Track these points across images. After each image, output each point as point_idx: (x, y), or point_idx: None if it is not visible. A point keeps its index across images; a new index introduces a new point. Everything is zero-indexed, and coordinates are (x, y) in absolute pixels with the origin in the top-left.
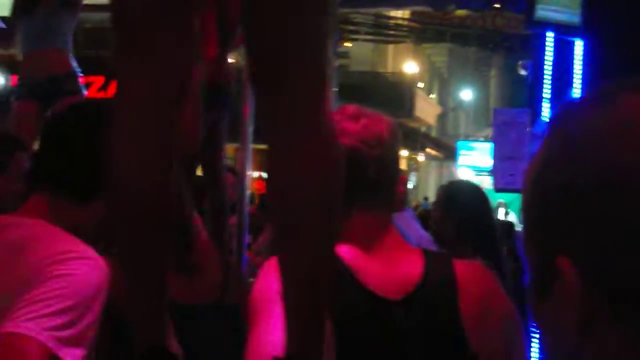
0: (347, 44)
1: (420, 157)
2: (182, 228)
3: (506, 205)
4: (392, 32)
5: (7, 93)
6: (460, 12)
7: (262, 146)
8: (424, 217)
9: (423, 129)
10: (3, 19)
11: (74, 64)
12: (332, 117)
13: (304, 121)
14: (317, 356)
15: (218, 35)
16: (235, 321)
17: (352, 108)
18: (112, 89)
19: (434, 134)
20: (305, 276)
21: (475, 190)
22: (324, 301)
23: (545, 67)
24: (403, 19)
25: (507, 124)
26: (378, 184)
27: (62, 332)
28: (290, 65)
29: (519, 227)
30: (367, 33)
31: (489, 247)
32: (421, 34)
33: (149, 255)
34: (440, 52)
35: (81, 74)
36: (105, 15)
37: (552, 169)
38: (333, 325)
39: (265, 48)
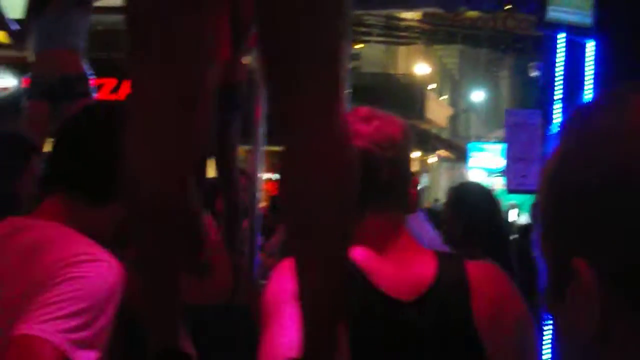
0: (359, 46)
1: (432, 159)
2: (192, 229)
3: (518, 207)
4: (403, 33)
5: (19, 94)
6: (471, 14)
7: (274, 148)
8: (434, 218)
9: (434, 130)
10: (16, 21)
11: (86, 65)
12: (346, 119)
13: (317, 122)
14: (332, 358)
15: (231, 35)
16: (246, 322)
17: (364, 110)
18: (124, 91)
19: (445, 135)
20: (319, 278)
21: (484, 192)
22: (338, 302)
23: (557, 68)
24: (414, 20)
25: (519, 125)
26: (391, 185)
27: (76, 335)
28: (304, 66)
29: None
30: (378, 35)
31: (498, 248)
32: (432, 35)
33: (163, 257)
34: (451, 54)
35: (93, 76)
36: (117, 18)
37: (567, 170)
38: (346, 326)
39: (279, 48)
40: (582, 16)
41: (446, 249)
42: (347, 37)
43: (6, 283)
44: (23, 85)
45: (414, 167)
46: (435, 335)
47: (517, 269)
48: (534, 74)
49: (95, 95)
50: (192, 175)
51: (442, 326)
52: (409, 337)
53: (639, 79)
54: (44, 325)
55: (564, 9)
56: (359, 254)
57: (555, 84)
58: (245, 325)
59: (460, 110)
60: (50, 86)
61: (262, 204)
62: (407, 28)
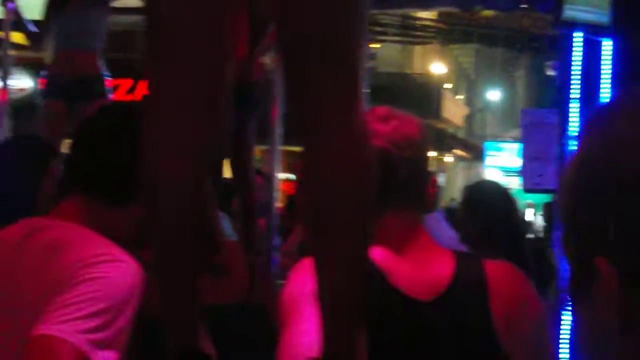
0: (375, 46)
1: (448, 158)
2: (209, 229)
3: (535, 206)
4: (419, 33)
5: (36, 95)
6: (487, 13)
7: (291, 148)
8: (450, 218)
9: (450, 130)
10: (34, 22)
11: (103, 66)
12: (364, 118)
13: (336, 122)
14: (353, 357)
15: (248, 33)
16: (263, 321)
17: (382, 110)
18: (140, 92)
19: (461, 135)
20: (339, 277)
21: (501, 191)
22: (358, 302)
23: (573, 67)
24: (430, 20)
25: (535, 124)
26: (409, 185)
27: (95, 335)
28: (323, 65)
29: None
30: (394, 34)
31: (514, 247)
32: (448, 35)
33: (182, 257)
34: (467, 53)
35: (109, 77)
36: (133, 19)
37: (589, 170)
38: (364, 326)
39: (298, 47)
40: (599, 15)
41: (463, 248)
42: (365, 36)
43: (25, 283)
44: (39, 86)
45: (431, 167)
46: (453, 335)
47: (534, 268)
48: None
49: (111, 95)
50: (209, 176)
51: (460, 326)
52: (428, 337)
53: None
54: (63, 326)
55: (581, 7)
56: (377, 253)
57: (572, 83)
58: (263, 325)
59: (476, 109)
60: (67, 86)
61: (279, 204)
62: (423, 27)
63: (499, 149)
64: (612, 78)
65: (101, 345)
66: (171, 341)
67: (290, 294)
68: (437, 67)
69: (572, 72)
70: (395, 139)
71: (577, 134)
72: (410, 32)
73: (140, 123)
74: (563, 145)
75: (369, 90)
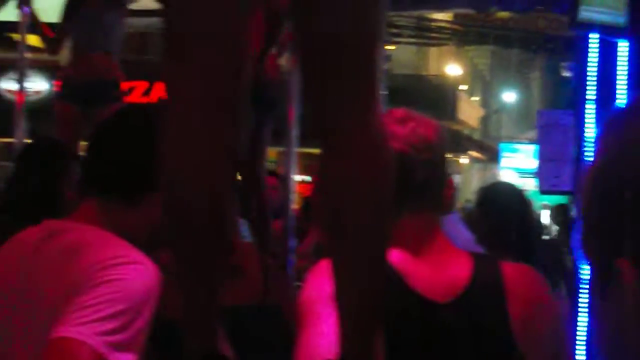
0: (390, 47)
1: (463, 160)
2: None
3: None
4: (434, 34)
5: (51, 97)
6: (502, 14)
7: (307, 150)
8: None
9: (466, 131)
10: (50, 25)
11: (119, 68)
12: (382, 120)
13: (355, 123)
14: (371, 359)
15: (264, 30)
16: (279, 323)
17: (399, 112)
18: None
19: (476, 136)
20: (357, 279)
21: (515, 192)
22: (376, 304)
23: (589, 68)
24: (445, 21)
25: (551, 126)
26: (426, 187)
27: (113, 337)
28: (342, 65)
29: None
30: (409, 36)
31: (528, 249)
32: (463, 36)
33: (201, 259)
34: (482, 55)
35: (124, 79)
36: (148, 21)
37: (610, 172)
38: (382, 328)
39: (316, 47)
40: (615, 16)
41: (480, 249)
42: (383, 37)
43: (43, 286)
44: (55, 89)
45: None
46: (470, 337)
47: (551, 269)
48: (566, 74)
49: (126, 98)
50: (230, 178)
51: (477, 327)
52: (445, 339)
53: None
54: (82, 328)
55: (597, 8)
56: (395, 255)
57: (588, 84)
58: (279, 327)
59: (491, 111)
60: (83, 89)
61: (295, 206)
62: (439, 29)
63: (514, 151)
64: (628, 79)
65: (119, 347)
66: (190, 343)
67: (308, 295)
68: (453, 69)
69: (588, 74)
70: (413, 141)
71: (593, 135)
72: (425, 34)
73: (156, 125)
74: (579, 146)
75: (385, 92)
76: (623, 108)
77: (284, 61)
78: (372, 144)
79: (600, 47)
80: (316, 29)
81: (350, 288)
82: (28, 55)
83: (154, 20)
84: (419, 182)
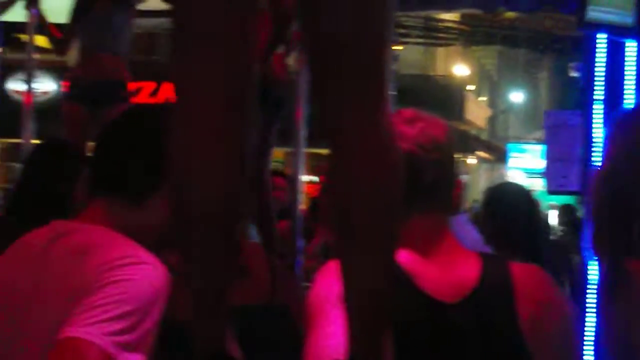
0: (397, 48)
1: (471, 160)
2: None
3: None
4: (442, 35)
5: (59, 98)
6: (510, 15)
7: (315, 150)
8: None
9: (473, 131)
10: (58, 25)
11: (127, 69)
12: (391, 120)
13: (363, 123)
14: (379, 359)
15: (270, 29)
16: (287, 323)
17: (408, 112)
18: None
19: (484, 136)
20: (366, 280)
21: (522, 193)
22: (385, 305)
23: (597, 69)
24: (453, 21)
25: (558, 126)
26: (435, 187)
27: (122, 337)
28: (350, 65)
29: None
30: (417, 36)
31: (535, 249)
32: (471, 36)
33: (211, 260)
34: (489, 55)
35: (132, 80)
36: (156, 21)
37: (619, 173)
38: (391, 329)
39: (324, 47)
40: (623, 16)
41: (488, 250)
42: (391, 37)
43: (51, 287)
44: (63, 89)
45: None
46: (479, 337)
47: (557, 269)
48: (574, 74)
49: (133, 98)
50: (241, 178)
51: (486, 328)
52: (453, 339)
53: None
54: (90, 328)
55: (604, 8)
56: (403, 256)
57: (595, 84)
58: (287, 327)
59: (499, 111)
60: (91, 90)
61: (303, 207)
62: (446, 29)
63: (522, 151)
64: (636, 79)
65: (127, 347)
66: (198, 343)
67: (316, 296)
68: (460, 69)
69: (596, 74)
70: (421, 142)
71: (601, 136)
72: (433, 34)
73: (163, 125)
74: (587, 147)
75: (394, 93)
76: (631, 109)
77: (291, 61)
78: (380, 144)
79: (607, 47)
80: (324, 29)
81: (358, 288)
82: (36, 56)
83: (162, 21)
84: (428, 183)
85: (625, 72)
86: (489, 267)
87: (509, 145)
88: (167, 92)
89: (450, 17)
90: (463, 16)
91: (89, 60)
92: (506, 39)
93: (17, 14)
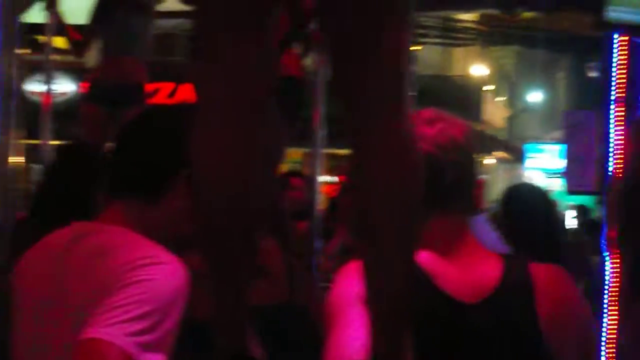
0: (415, 48)
1: (489, 160)
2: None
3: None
4: (460, 35)
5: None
6: (528, 15)
7: (333, 151)
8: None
9: (491, 132)
10: (78, 27)
11: (146, 73)
12: (411, 120)
13: (386, 123)
14: (400, 359)
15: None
16: (305, 323)
17: (428, 112)
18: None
19: (502, 137)
20: (387, 279)
21: (539, 193)
22: (406, 304)
23: (615, 69)
24: (471, 22)
25: (577, 126)
26: (455, 188)
27: (142, 338)
28: (370, 65)
29: None
30: (435, 37)
31: (553, 249)
32: (489, 37)
33: (232, 260)
34: (507, 55)
35: (150, 81)
36: (174, 22)
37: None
38: (412, 329)
39: (345, 48)
40: None
41: (506, 250)
42: (411, 38)
43: (72, 288)
44: (81, 90)
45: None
46: (499, 337)
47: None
48: (592, 74)
49: (151, 99)
50: (265, 178)
51: (506, 328)
52: (473, 339)
53: None
54: (111, 329)
55: (623, 8)
56: (424, 257)
57: (614, 84)
58: (305, 327)
59: (517, 111)
60: (111, 91)
61: (321, 207)
62: (464, 30)
63: (540, 151)
64: None
65: (148, 347)
66: (220, 343)
67: (337, 296)
68: (478, 69)
69: (614, 74)
70: (441, 142)
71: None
72: (451, 34)
73: (181, 126)
74: (605, 147)
75: (414, 93)
76: None
77: (309, 61)
78: (401, 146)
79: (626, 48)
80: (344, 30)
81: (379, 289)
82: (54, 57)
83: (179, 22)
84: (448, 183)
85: None
86: (509, 268)
87: (527, 146)
88: (185, 93)
89: (468, 17)
90: (481, 16)
91: (110, 62)
92: (524, 39)
93: (35, 15)
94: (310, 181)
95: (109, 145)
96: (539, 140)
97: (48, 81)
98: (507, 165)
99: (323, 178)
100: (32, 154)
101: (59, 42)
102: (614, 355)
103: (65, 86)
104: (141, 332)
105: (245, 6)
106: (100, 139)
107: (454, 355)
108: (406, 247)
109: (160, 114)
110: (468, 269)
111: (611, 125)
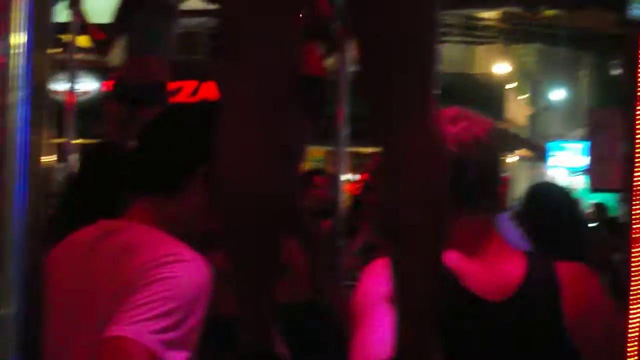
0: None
1: (512, 159)
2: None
3: None
4: (482, 33)
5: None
6: (550, 12)
7: (356, 149)
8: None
9: (514, 130)
10: (101, 26)
11: (169, 72)
12: (438, 118)
13: (412, 121)
14: (426, 357)
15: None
16: (329, 321)
17: (452, 110)
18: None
19: (525, 135)
20: (414, 278)
21: (562, 192)
22: (433, 303)
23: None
24: (493, 20)
25: (601, 124)
26: (478, 186)
27: (167, 335)
28: (399, 64)
29: None
30: (457, 34)
31: (576, 247)
32: (511, 34)
33: (258, 258)
34: (530, 53)
35: (172, 80)
36: (197, 21)
37: None
38: (438, 327)
39: (373, 46)
40: None
41: (530, 248)
42: (438, 36)
43: (98, 285)
44: (104, 89)
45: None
46: (525, 335)
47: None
48: (615, 72)
49: (174, 98)
50: (289, 177)
51: (532, 326)
52: (499, 337)
53: None
54: (135, 327)
55: None
56: (450, 255)
57: (637, 82)
58: (330, 325)
59: (539, 109)
60: (135, 91)
61: (345, 205)
62: (486, 28)
63: (563, 149)
64: None
65: (172, 345)
66: (245, 341)
67: (362, 295)
68: (500, 67)
69: (637, 71)
70: (464, 141)
71: None
72: (473, 32)
73: (204, 123)
74: (629, 144)
75: (439, 91)
76: None
77: (333, 60)
78: (429, 145)
79: None
80: (374, 29)
81: (405, 288)
82: (77, 56)
83: (202, 21)
84: (471, 182)
85: None
86: (535, 266)
87: (550, 144)
88: (208, 91)
89: (490, 15)
90: (504, 14)
91: (134, 61)
92: (547, 37)
93: (59, 14)
94: (334, 179)
95: (131, 143)
96: (561, 138)
97: (71, 80)
98: (530, 163)
99: (346, 176)
100: (56, 152)
101: (82, 41)
102: (638, 352)
103: (88, 85)
104: (165, 330)
105: (269, 5)
106: (123, 138)
107: (479, 353)
108: (434, 246)
109: (182, 113)
110: (493, 267)
111: (636, 123)
